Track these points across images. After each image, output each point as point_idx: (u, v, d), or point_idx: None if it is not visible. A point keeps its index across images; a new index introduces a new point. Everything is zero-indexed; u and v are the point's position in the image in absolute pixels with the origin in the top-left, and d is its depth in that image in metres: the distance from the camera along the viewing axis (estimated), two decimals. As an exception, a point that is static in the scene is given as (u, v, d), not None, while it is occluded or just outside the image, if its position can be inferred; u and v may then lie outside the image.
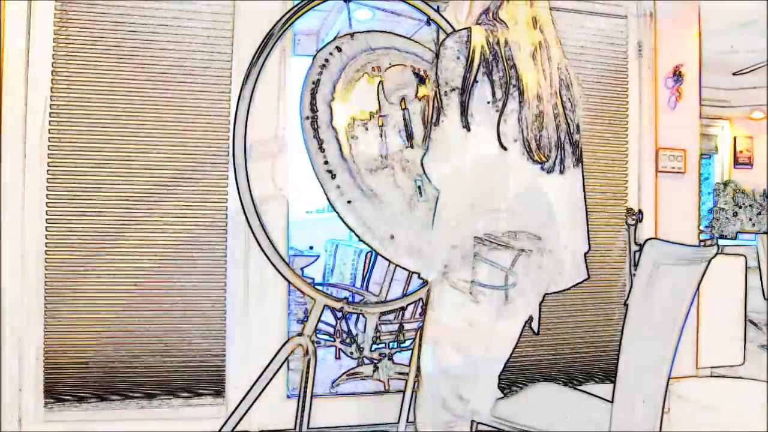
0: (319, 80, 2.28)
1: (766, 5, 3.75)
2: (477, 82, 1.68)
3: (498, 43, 1.71)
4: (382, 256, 2.26)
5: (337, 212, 2.21)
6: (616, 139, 2.96)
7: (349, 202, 2.20)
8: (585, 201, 1.86)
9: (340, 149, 2.25)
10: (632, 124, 2.97)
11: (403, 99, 2.22)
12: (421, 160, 1.82)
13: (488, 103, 1.69)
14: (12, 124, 2.33)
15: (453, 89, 1.70)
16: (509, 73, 1.70)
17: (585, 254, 1.86)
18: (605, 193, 2.94)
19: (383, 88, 2.25)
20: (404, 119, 2.19)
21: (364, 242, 2.23)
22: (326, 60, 2.29)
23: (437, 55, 1.76)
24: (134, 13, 2.40)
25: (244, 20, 2.50)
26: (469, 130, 1.70)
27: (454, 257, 1.73)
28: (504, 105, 1.69)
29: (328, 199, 2.21)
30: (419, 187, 2.17)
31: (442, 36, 2.58)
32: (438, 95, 1.73)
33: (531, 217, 1.75)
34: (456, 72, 1.70)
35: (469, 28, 1.74)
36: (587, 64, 2.89)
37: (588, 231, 1.87)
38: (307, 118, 2.23)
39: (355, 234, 2.23)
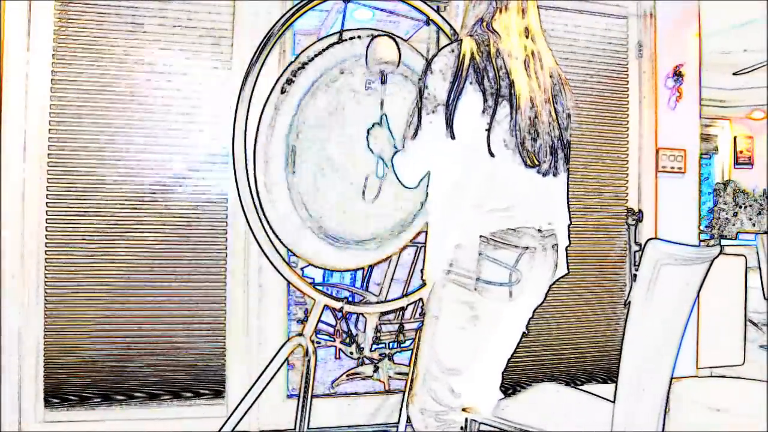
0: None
1: (766, 5, 3.75)
2: (465, 91, 1.72)
3: (489, 52, 1.75)
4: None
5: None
6: (616, 139, 2.96)
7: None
8: (568, 200, 1.92)
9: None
10: (632, 124, 2.97)
11: (383, 73, 2.23)
12: (392, 159, 1.93)
13: (481, 111, 1.72)
14: (12, 124, 2.33)
15: (439, 104, 1.74)
16: (501, 81, 1.73)
17: (566, 249, 1.93)
18: (605, 193, 2.94)
19: (367, 55, 2.26)
20: (381, 97, 2.22)
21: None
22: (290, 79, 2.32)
23: (425, 70, 1.79)
24: (134, 13, 2.40)
25: (244, 20, 2.50)
26: (454, 138, 1.73)
27: (458, 256, 1.75)
28: (494, 113, 1.72)
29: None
30: (379, 163, 2.24)
31: (441, 36, 2.58)
32: (419, 109, 1.77)
33: (535, 216, 1.78)
34: (444, 87, 1.74)
35: (460, 40, 1.79)
36: (587, 64, 2.90)
37: (570, 228, 1.93)
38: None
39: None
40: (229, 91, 2.45)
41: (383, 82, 2.26)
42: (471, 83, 1.71)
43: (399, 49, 2.27)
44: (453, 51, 1.75)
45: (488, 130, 1.72)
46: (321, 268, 2.53)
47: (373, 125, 2.21)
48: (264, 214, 2.32)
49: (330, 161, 2.35)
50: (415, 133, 1.78)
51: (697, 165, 3.08)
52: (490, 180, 1.75)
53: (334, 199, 2.37)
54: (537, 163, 1.76)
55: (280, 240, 2.33)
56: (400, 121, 2.13)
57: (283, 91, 2.31)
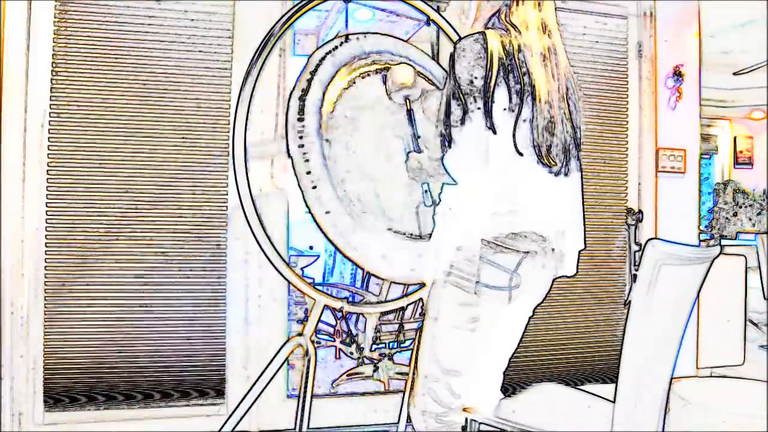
0: (308, 86, 2.27)
1: (766, 5, 3.75)
2: (497, 86, 1.68)
3: (512, 48, 1.71)
4: (355, 263, 2.28)
5: (314, 220, 2.22)
6: (616, 139, 2.96)
7: (327, 212, 2.19)
8: (583, 202, 1.88)
9: (324, 158, 2.25)
10: (632, 124, 2.97)
11: (407, 99, 2.19)
12: (442, 159, 1.80)
13: (504, 108, 1.69)
14: (12, 124, 2.33)
15: (477, 90, 1.69)
16: (523, 79, 1.70)
17: (579, 252, 1.87)
18: (605, 193, 2.94)
19: (387, 86, 2.23)
20: (410, 121, 2.17)
21: (338, 250, 2.25)
22: (317, 65, 2.28)
23: (453, 57, 1.74)
24: (134, 13, 2.40)
25: (244, 20, 2.50)
26: (495, 133, 1.69)
27: (459, 258, 1.73)
28: (519, 111, 1.69)
29: (307, 206, 2.21)
30: (426, 192, 2.18)
31: (441, 37, 2.58)
32: (461, 95, 1.71)
33: (539, 218, 1.76)
34: (477, 73, 1.69)
35: (483, 32, 1.73)
36: (587, 64, 2.89)
37: (585, 231, 1.89)
38: (294, 125, 2.23)
39: (329, 241, 2.24)
40: (230, 90, 2.45)
41: (409, 110, 2.21)
42: (498, 79, 1.68)
43: (415, 71, 2.20)
44: (478, 41, 1.70)
45: (514, 128, 1.69)
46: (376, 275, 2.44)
47: (408, 155, 2.08)
48: (310, 211, 2.26)
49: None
50: (462, 120, 1.71)
51: (697, 165, 3.07)
52: (502, 180, 1.73)
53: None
54: (553, 163, 1.74)
55: (329, 240, 2.25)
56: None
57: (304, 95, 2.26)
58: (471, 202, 1.75)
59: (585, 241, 1.88)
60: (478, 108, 1.69)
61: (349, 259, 2.28)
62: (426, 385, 1.80)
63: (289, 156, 2.22)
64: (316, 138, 2.25)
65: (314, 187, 2.21)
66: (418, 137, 2.16)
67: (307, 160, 2.22)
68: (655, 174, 3.00)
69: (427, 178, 2.02)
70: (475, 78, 1.69)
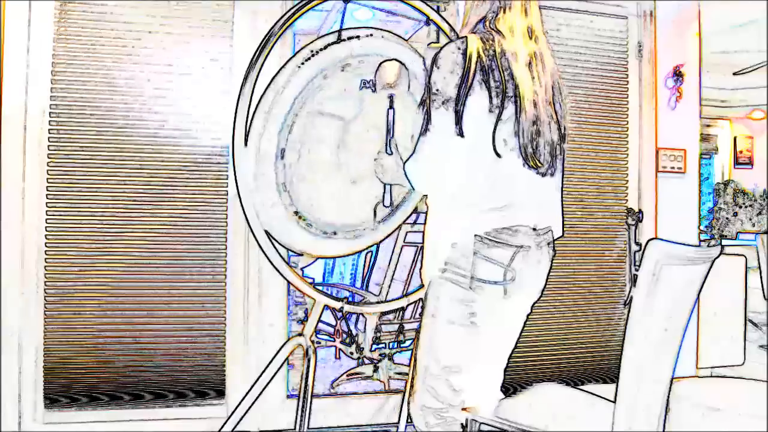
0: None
1: (766, 5, 3.75)
2: (473, 89, 1.70)
3: (495, 51, 1.73)
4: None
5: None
6: (616, 139, 2.96)
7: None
8: (562, 195, 1.91)
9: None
10: (632, 124, 2.97)
11: (391, 97, 2.21)
12: (404, 166, 1.83)
13: (485, 110, 1.71)
14: (12, 124, 2.33)
15: (446, 100, 1.71)
16: (506, 81, 1.72)
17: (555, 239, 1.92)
18: (605, 193, 2.94)
19: (375, 81, 2.25)
20: (387, 120, 2.18)
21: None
22: (299, 65, 2.31)
23: (431, 65, 1.77)
24: (134, 13, 2.40)
25: (244, 20, 2.50)
26: (463, 137, 1.71)
27: (454, 255, 1.75)
28: (500, 112, 1.71)
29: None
30: (386, 193, 2.21)
31: (441, 36, 2.58)
32: (428, 105, 1.74)
33: (529, 215, 1.78)
34: (451, 82, 1.71)
35: (465, 37, 1.76)
36: (587, 64, 2.90)
37: (563, 219, 1.93)
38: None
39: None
40: (230, 90, 2.45)
41: (391, 107, 2.22)
42: (478, 81, 1.70)
43: (407, 71, 2.24)
44: (459, 47, 1.72)
45: (494, 130, 1.71)
46: (301, 254, 2.51)
47: (378, 153, 2.12)
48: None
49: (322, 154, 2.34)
50: (426, 130, 1.74)
51: (697, 165, 3.08)
52: (490, 179, 1.75)
53: (323, 188, 2.35)
54: (539, 164, 1.77)
55: (269, 234, 2.30)
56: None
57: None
58: (457, 203, 1.78)
59: (563, 228, 1.92)
60: (446, 110, 1.71)
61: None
62: (425, 381, 1.81)
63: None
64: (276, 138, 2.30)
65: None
66: (391, 138, 2.18)
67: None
68: (655, 174, 3.00)
69: (390, 181, 2.09)
70: (447, 85, 1.71)
